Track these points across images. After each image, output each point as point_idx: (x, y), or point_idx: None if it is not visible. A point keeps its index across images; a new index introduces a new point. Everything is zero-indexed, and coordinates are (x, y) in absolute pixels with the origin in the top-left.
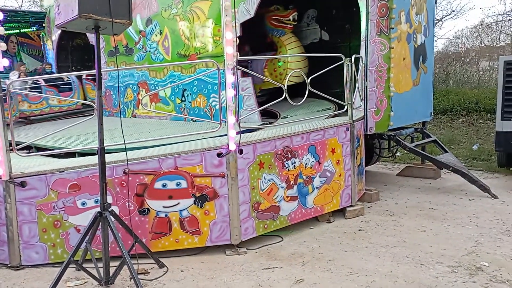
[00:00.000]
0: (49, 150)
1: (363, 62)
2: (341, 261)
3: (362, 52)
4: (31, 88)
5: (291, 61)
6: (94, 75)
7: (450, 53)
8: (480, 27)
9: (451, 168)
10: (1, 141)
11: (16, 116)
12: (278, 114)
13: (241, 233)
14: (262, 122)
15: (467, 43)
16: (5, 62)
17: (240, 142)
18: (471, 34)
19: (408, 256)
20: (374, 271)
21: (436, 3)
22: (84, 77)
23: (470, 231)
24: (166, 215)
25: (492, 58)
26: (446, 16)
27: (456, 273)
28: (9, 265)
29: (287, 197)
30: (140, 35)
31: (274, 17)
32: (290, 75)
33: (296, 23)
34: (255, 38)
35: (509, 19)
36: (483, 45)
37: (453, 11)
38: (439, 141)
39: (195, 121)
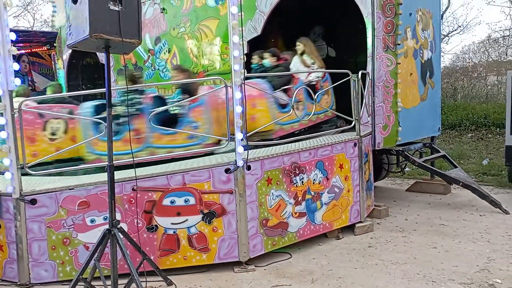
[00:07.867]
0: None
1: (370, 78)
2: (351, 279)
3: (369, 68)
4: None
5: None
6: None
7: (458, 68)
8: (487, 42)
9: (461, 183)
10: (13, 158)
11: None
12: None
13: (250, 250)
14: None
15: (475, 58)
16: (17, 81)
17: (248, 158)
18: (478, 49)
19: (419, 273)
20: None
21: (442, 19)
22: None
23: (482, 247)
24: (174, 232)
25: (500, 72)
26: (452, 31)
27: None
28: (18, 283)
29: (296, 213)
30: (149, 54)
31: None
32: None
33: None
34: None
35: None
36: (490, 59)
37: (460, 26)
38: (448, 156)
39: None
